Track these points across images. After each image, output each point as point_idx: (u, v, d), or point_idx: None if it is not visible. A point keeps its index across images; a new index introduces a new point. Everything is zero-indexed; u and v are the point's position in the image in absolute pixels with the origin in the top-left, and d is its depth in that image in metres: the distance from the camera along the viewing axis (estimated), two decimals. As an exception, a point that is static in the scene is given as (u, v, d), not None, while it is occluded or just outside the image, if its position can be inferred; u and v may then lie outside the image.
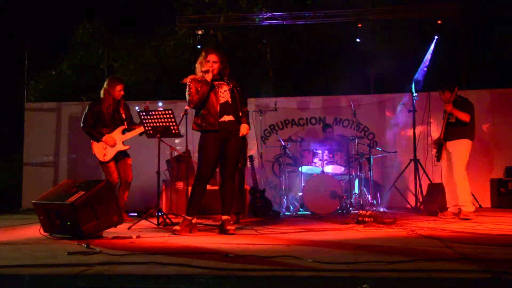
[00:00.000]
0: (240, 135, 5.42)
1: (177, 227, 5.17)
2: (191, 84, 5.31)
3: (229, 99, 5.34)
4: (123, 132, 6.72)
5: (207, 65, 5.26)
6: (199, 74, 5.36)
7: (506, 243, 4.16)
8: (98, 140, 6.58)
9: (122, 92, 6.70)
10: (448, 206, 7.03)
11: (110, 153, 6.59)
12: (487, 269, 2.93)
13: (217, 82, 5.34)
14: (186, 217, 5.24)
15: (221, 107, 5.28)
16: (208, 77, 5.22)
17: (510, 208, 8.47)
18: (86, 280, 2.87)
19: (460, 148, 6.78)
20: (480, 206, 9.12)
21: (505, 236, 4.68)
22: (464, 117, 6.73)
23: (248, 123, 5.45)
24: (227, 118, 5.31)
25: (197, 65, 5.44)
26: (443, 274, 2.85)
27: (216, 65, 5.32)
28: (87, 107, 6.74)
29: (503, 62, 15.01)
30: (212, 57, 5.34)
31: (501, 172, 9.48)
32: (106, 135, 6.58)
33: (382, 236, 4.83)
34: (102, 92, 6.71)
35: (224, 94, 5.34)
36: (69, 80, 18.58)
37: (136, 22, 18.11)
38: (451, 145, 6.87)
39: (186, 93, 5.33)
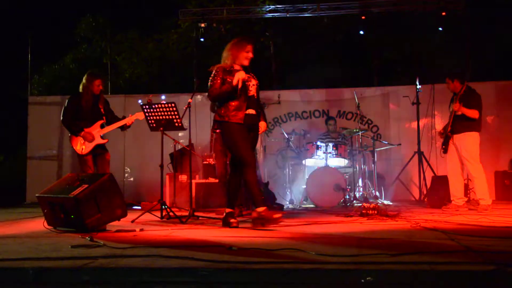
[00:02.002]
0: (260, 133, 5.50)
1: (234, 220, 5.17)
2: (218, 75, 5.19)
3: (255, 94, 5.34)
4: (102, 126, 6.72)
5: (241, 75, 5.11)
6: (227, 62, 5.25)
7: (510, 235, 4.14)
8: (77, 134, 6.59)
9: (100, 87, 6.71)
10: (452, 198, 7.02)
11: (88, 146, 6.59)
12: (491, 261, 2.92)
13: (247, 76, 5.26)
14: (256, 209, 5.12)
15: (248, 100, 5.24)
16: (238, 82, 5.08)
17: (515, 201, 8.45)
18: (90, 273, 2.87)
19: (469, 142, 6.75)
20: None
21: (509, 228, 4.67)
22: (473, 114, 6.70)
23: (265, 120, 5.50)
24: (251, 111, 5.27)
25: (228, 53, 5.29)
26: (447, 267, 2.83)
27: (250, 56, 5.29)
28: (66, 101, 6.75)
29: (507, 54, 14.92)
30: (251, 48, 5.28)
31: (506, 164, 9.45)
32: (85, 130, 6.58)
33: (386, 229, 4.81)
34: (81, 87, 6.71)
35: (252, 88, 5.31)
36: (72, 74, 18.59)
37: (139, 15, 18.08)
38: (459, 138, 6.83)
39: (209, 82, 5.20)
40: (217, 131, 6.77)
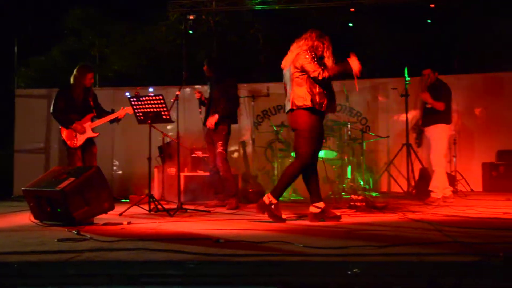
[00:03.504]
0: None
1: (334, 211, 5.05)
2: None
3: None
4: (92, 119, 6.69)
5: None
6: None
7: (496, 226, 4.17)
8: (68, 126, 6.54)
9: (92, 80, 6.68)
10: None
11: (80, 139, 6.55)
12: (477, 252, 2.94)
13: None
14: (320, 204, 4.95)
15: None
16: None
17: (502, 192, 8.51)
18: (76, 266, 2.86)
19: (436, 133, 6.77)
20: (472, 190, 9.15)
21: (495, 220, 4.71)
22: (438, 106, 6.72)
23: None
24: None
25: (309, 42, 5.03)
26: (434, 258, 2.85)
27: None
28: (57, 93, 6.70)
29: (495, 46, 14.99)
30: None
31: (493, 156, 9.50)
32: (76, 122, 6.54)
33: (374, 221, 4.84)
34: (72, 79, 6.66)
35: None
36: (60, 66, 18.42)
37: (128, 7, 17.93)
38: (429, 130, 6.87)
39: (312, 63, 4.87)
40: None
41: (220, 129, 6.73)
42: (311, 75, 4.84)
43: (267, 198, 4.87)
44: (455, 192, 8.22)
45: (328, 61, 5.00)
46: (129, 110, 6.60)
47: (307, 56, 4.88)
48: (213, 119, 6.66)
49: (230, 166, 6.86)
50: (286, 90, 5.16)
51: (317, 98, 4.85)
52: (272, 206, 4.84)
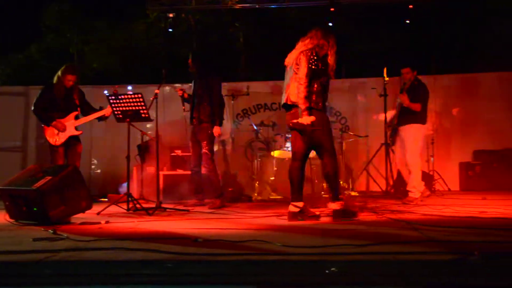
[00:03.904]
0: None
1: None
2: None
3: None
4: (76, 117, 6.63)
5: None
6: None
7: (472, 225, 4.22)
8: (48, 124, 6.48)
9: (71, 82, 6.60)
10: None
11: (62, 137, 6.49)
12: (453, 250, 2.97)
13: None
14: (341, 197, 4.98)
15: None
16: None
17: (478, 191, 8.63)
18: (51, 266, 2.83)
19: (412, 133, 6.83)
20: (449, 189, 9.27)
21: (471, 218, 4.76)
22: (415, 107, 6.78)
23: None
24: None
25: (314, 41, 5.01)
26: (410, 256, 2.88)
27: None
28: (40, 91, 6.64)
29: (471, 47, 15.21)
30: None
31: (470, 155, 9.63)
32: (57, 120, 6.48)
33: (352, 220, 4.86)
34: (55, 77, 6.61)
35: None
36: (38, 64, 18.18)
37: (107, 5, 17.77)
38: (403, 130, 6.93)
39: (312, 63, 4.89)
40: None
41: (205, 128, 6.70)
42: (297, 79, 4.86)
43: (335, 205, 4.90)
44: (433, 191, 8.33)
45: (331, 59, 5.03)
46: (101, 113, 6.60)
47: (310, 56, 4.89)
48: (218, 129, 6.74)
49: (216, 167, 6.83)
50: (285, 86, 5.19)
51: (314, 97, 4.87)
52: (344, 205, 4.92)
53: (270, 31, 17.06)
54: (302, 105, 4.78)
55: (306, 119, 4.78)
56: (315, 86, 4.89)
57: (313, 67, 4.86)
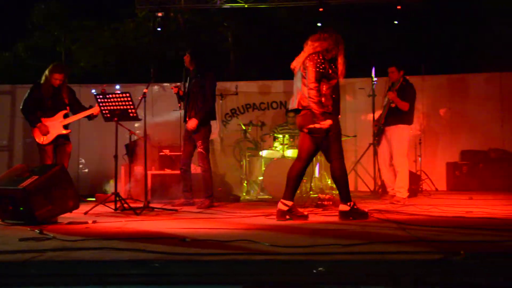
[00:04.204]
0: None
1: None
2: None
3: None
4: (65, 116, 6.59)
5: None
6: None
7: (458, 225, 4.25)
8: (33, 125, 6.44)
9: (58, 81, 6.53)
10: (388, 190, 7.20)
11: (50, 136, 6.44)
12: (439, 250, 2.99)
13: None
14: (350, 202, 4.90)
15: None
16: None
17: (465, 191, 8.70)
18: (37, 266, 2.80)
19: (399, 134, 6.87)
20: (437, 189, 9.33)
21: (457, 218, 4.80)
22: (404, 106, 6.82)
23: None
24: None
25: (324, 45, 4.97)
26: (397, 256, 2.89)
27: None
28: (28, 90, 6.59)
29: (460, 48, 15.32)
30: None
31: (457, 156, 9.71)
32: (43, 121, 6.43)
33: (340, 220, 4.87)
34: (43, 76, 6.56)
35: None
36: (25, 62, 18.05)
37: (95, 4, 17.68)
38: (390, 130, 6.97)
39: (319, 66, 4.87)
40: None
41: (200, 128, 6.62)
42: (307, 83, 4.85)
43: (344, 206, 4.88)
44: (421, 192, 8.39)
45: (341, 63, 5.01)
46: (91, 111, 6.55)
47: (318, 60, 4.87)
48: (193, 123, 6.58)
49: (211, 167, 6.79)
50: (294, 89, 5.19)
51: (323, 99, 4.86)
52: (355, 206, 4.89)
53: (259, 31, 17.08)
54: (316, 110, 4.76)
55: (324, 124, 4.77)
56: (324, 88, 4.88)
57: (320, 70, 4.84)
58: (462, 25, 15.03)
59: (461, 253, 2.74)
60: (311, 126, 4.86)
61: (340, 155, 4.99)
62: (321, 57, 4.89)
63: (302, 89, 4.96)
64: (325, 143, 4.95)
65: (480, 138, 9.71)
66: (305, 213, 5.06)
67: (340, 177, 4.95)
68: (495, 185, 9.11)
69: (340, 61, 5.00)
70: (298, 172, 5.07)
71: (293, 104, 5.09)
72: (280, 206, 4.96)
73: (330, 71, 4.91)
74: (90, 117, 6.70)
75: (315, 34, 5.06)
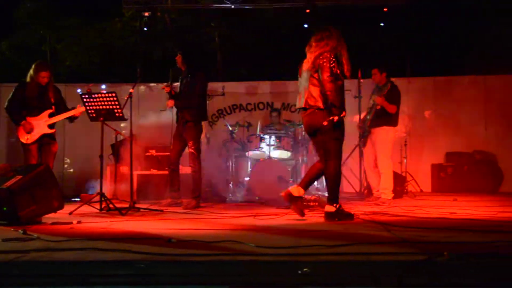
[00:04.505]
0: None
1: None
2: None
3: None
4: (51, 115, 6.53)
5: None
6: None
7: (442, 226, 4.29)
8: (17, 123, 6.39)
9: (46, 79, 6.48)
10: (373, 192, 7.25)
11: (34, 135, 6.39)
12: (424, 251, 3.01)
13: None
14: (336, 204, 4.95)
15: None
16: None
17: (449, 192, 8.77)
18: (21, 267, 2.79)
19: (383, 136, 6.92)
20: (421, 190, 9.40)
21: (442, 219, 4.84)
22: (391, 109, 6.87)
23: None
24: None
25: (331, 43, 5.01)
26: (381, 257, 2.91)
27: None
28: (13, 89, 6.54)
29: (445, 51, 15.44)
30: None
31: (442, 157, 9.78)
32: (26, 120, 6.37)
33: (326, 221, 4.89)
34: (28, 75, 6.51)
35: None
36: (9, 61, 17.87)
37: (81, 2, 17.54)
38: (375, 132, 7.02)
39: (330, 67, 4.91)
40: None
41: (191, 127, 6.62)
42: (323, 76, 4.88)
43: (330, 207, 4.92)
44: (406, 193, 8.44)
45: (346, 59, 5.06)
46: (77, 111, 6.49)
47: (330, 59, 4.91)
48: (170, 102, 6.64)
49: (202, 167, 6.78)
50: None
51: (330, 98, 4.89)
52: (341, 208, 4.94)
53: (246, 31, 17.07)
54: (337, 102, 4.86)
55: (341, 115, 4.93)
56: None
57: (334, 69, 4.90)
58: (448, 28, 15.15)
59: (445, 254, 2.77)
60: (326, 122, 4.89)
61: (339, 156, 5.05)
62: (332, 56, 4.94)
63: (310, 88, 5.02)
64: (327, 141, 5.01)
65: (465, 140, 9.80)
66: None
67: (333, 177, 5.01)
68: (479, 186, 9.20)
69: (345, 56, 5.06)
70: (318, 171, 5.14)
71: (300, 103, 5.17)
72: (293, 190, 5.00)
73: (338, 71, 4.96)
74: (71, 119, 6.63)
75: (316, 35, 5.10)
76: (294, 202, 4.97)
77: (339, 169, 5.05)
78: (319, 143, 5.12)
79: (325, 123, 4.90)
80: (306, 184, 5.09)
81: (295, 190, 5.00)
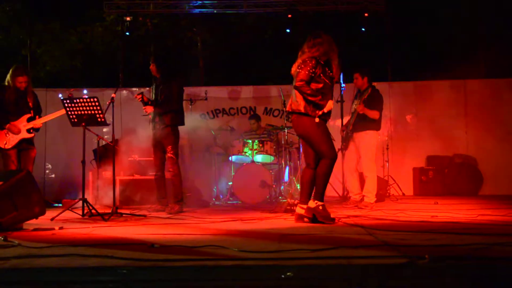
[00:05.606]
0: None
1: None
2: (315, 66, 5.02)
3: None
4: (29, 120, 6.49)
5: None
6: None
7: (423, 229, 4.34)
8: (2, 127, 6.33)
9: (23, 84, 6.43)
10: (349, 195, 7.30)
11: (12, 140, 6.34)
12: (404, 254, 3.04)
13: None
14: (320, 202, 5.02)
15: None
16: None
17: (431, 196, 8.86)
18: (1, 274, 2.75)
19: (367, 140, 6.98)
20: (403, 194, 9.48)
21: (423, 223, 4.89)
22: (374, 115, 6.94)
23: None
24: None
25: (321, 49, 5.08)
26: (363, 261, 2.93)
27: None
28: None
29: (426, 55, 15.62)
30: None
31: (423, 161, 9.88)
32: (11, 123, 6.33)
33: (309, 225, 4.92)
34: (6, 80, 6.47)
35: None
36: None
37: (61, 5, 17.39)
38: (358, 136, 7.07)
39: (308, 70, 4.99)
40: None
41: (169, 132, 6.61)
42: (294, 82, 5.04)
43: (312, 203, 5.01)
44: (388, 196, 8.51)
45: (335, 64, 5.16)
46: (61, 112, 6.42)
47: (310, 64, 5.00)
48: (150, 108, 6.63)
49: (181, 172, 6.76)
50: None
51: (311, 106, 5.00)
52: (320, 207, 4.99)
53: (228, 36, 17.09)
54: (314, 98, 4.97)
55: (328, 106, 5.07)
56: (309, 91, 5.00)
57: (311, 74, 4.98)
58: (428, 32, 15.32)
59: (425, 257, 2.80)
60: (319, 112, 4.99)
61: (328, 155, 5.06)
62: (314, 62, 5.01)
63: (294, 92, 5.12)
64: (313, 143, 5.09)
65: (445, 144, 9.92)
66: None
67: (324, 174, 5.06)
68: (460, 189, 9.32)
69: (335, 61, 5.15)
70: (310, 178, 5.16)
71: (288, 107, 5.28)
72: (298, 210, 5.10)
73: (322, 76, 5.03)
74: (29, 131, 6.50)
75: (308, 41, 5.17)
76: (317, 213, 5.00)
77: (331, 169, 5.10)
78: (309, 144, 5.17)
79: (317, 119, 5.00)
80: (306, 198, 5.13)
81: (299, 209, 5.10)
